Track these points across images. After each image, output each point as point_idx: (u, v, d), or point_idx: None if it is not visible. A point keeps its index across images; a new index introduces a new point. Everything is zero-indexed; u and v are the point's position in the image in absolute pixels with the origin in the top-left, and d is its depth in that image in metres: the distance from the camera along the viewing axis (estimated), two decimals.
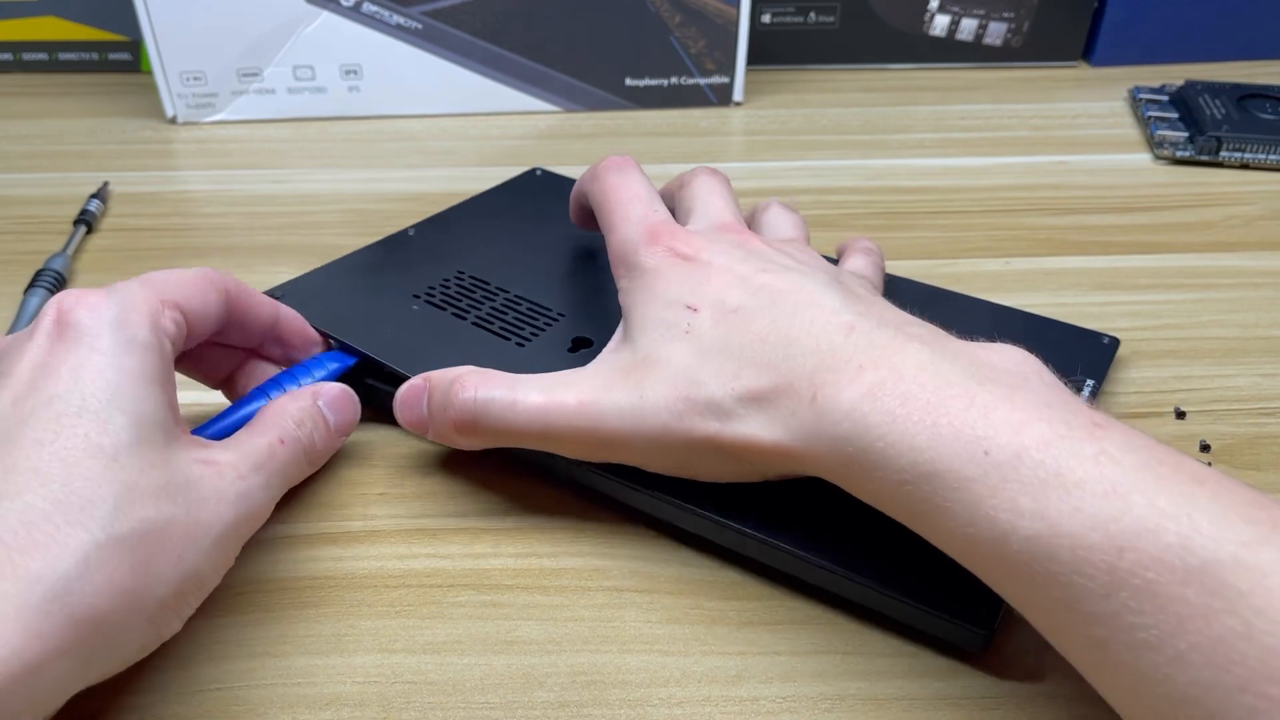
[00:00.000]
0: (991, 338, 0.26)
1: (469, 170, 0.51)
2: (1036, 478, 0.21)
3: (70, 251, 0.43)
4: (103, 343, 0.25)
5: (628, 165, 0.34)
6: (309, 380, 0.32)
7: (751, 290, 0.28)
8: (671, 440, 0.27)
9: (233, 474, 0.27)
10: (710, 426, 0.27)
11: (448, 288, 0.37)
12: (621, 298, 0.30)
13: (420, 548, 0.30)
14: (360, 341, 0.33)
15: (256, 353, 0.33)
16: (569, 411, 0.28)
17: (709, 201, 0.33)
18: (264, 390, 0.31)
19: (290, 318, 0.33)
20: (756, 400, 0.26)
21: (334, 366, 0.33)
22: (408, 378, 0.31)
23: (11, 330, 0.38)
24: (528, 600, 0.28)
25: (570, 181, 0.44)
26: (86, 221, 0.45)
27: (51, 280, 0.40)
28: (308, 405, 0.31)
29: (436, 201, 0.48)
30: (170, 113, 0.55)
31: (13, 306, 0.39)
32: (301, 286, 0.37)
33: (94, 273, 0.43)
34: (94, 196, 0.47)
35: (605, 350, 0.30)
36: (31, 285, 0.40)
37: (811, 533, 0.28)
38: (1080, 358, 0.34)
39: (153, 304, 0.27)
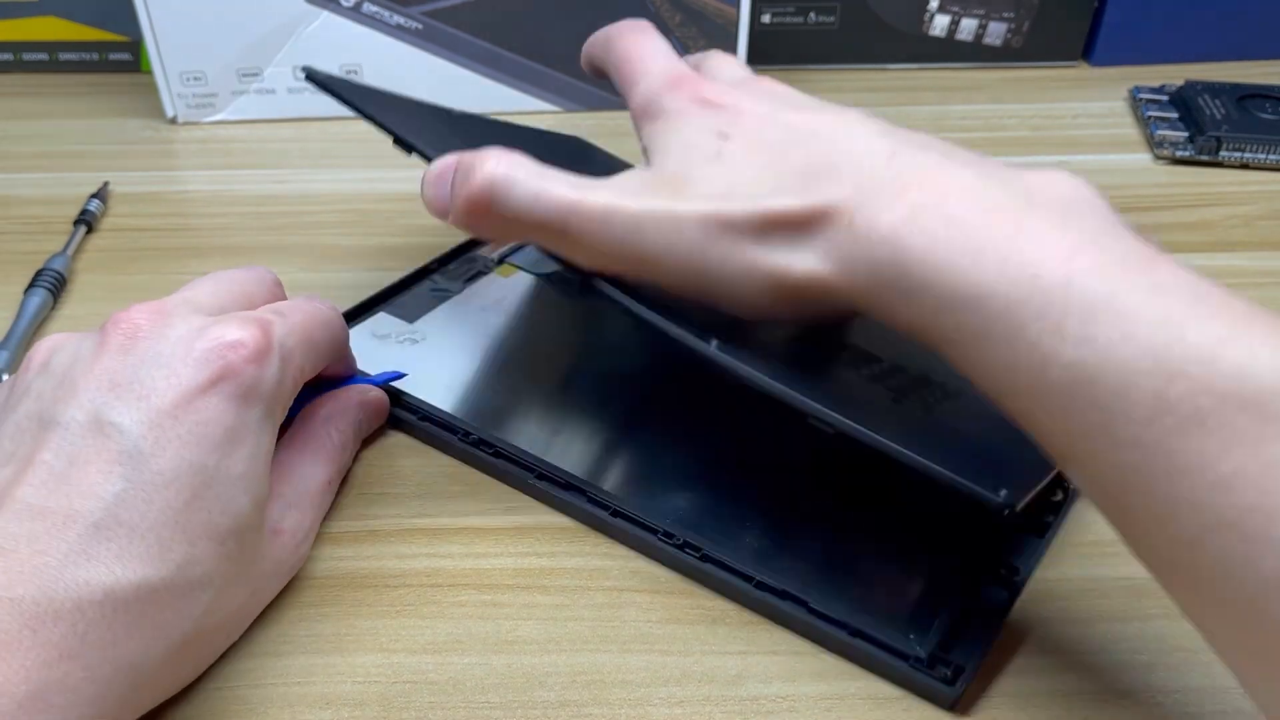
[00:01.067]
0: None
1: None
2: (1086, 302, 0.21)
3: (70, 251, 0.43)
4: (254, 414, 0.25)
5: (648, 26, 0.31)
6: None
7: (786, 127, 0.26)
8: (704, 261, 0.25)
9: (293, 543, 0.27)
10: (744, 249, 0.25)
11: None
12: (644, 142, 0.28)
13: (420, 547, 0.30)
14: (389, 120, 0.32)
15: None
16: (595, 212, 0.26)
17: (727, 65, 0.31)
18: (308, 398, 0.31)
19: (352, 371, 0.33)
20: (792, 224, 0.24)
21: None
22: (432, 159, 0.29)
23: (11, 331, 0.38)
24: (528, 600, 0.28)
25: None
26: (87, 221, 0.45)
27: (52, 280, 0.40)
28: (353, 422, 0.31)
29: None
30: (170, 113, 0.55)
31: (13, 306, 0.39)
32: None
33: (94, 273, 0.43)
34: (94, 196, 0.46)
35: (628, 172, 0.27)
36: (31, 285, 0.40)
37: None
38: None
39: (297, 377, 0.27)
